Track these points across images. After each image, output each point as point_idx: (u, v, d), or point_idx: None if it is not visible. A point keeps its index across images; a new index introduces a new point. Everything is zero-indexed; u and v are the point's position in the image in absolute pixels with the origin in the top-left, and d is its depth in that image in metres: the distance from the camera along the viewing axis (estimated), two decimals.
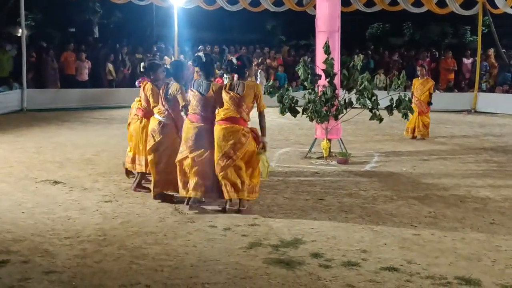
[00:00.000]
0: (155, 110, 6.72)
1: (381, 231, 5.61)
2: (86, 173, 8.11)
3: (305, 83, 9.22)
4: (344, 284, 4.31)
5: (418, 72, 12.04)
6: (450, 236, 5.46)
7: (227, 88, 6.24)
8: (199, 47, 19.01)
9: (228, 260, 4.77)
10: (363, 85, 8.79)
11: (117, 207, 6.38)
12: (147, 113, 6.97)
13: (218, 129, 6.16)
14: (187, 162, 6.28)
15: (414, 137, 11.63)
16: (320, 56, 9.28)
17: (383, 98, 9.04)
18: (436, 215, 6.21)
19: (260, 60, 18.49)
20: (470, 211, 6.36)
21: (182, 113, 6.49)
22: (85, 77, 17.50)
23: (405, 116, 9.13)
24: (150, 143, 6.62)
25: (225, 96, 6.20)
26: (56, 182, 7.47)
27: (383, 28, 30.53)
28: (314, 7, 11.72)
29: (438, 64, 19.15)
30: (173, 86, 6.55)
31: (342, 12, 9.65)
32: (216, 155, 6.15)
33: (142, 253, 4.93)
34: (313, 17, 9.95)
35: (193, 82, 6.46)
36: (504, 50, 18.96)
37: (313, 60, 11.02)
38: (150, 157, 6.63)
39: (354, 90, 9.03)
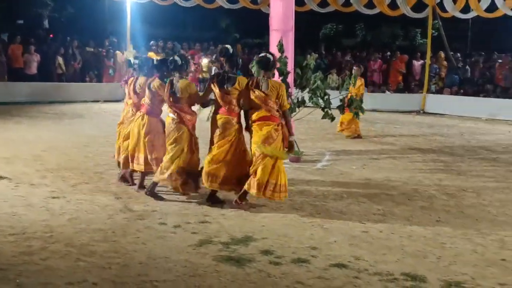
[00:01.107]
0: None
1: (331, 229, 5.67)
2: (34, 169, 7.91)
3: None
4: (294, 281, 4.34)
5: (354, 71, 12.02)
6: (398, 234, 5.58)
7: (253, 86, 6.27)
8: (151, 43, 18.78)
9: (177, 258, 4.74)
10: (316, 84, 8.88)
11: (65, 204, 6.24)
12: (152, 110, 6.83)
13: (253, 127, 6.30)
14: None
15: (341, 131, 11.79)
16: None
17: (335, 98, 9.15)
18: (385, 213, 6.33)
19: (214, 57, 18.41)
20: (417, 209, 6.51)
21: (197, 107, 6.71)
22: (34, 70, 17.07)
23: (356, 115, 9.28)
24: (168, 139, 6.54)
25: (251, 94, 6.25)
26: (2, 178, 7.25)
27: (336, 28, 30.90)
28: (269, 5, 11.74)
29: (389, 66, 19.51)
30: (156, 82, 6.66)
31: (296, 12, 9.70)
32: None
33: (90, 251, 4.83)
34: (267, 16, 9.97)
35: (215, 77, 6.46)
36: (452, 53, 19.51)
37: None
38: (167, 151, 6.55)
39: (307, 89, 9.12)
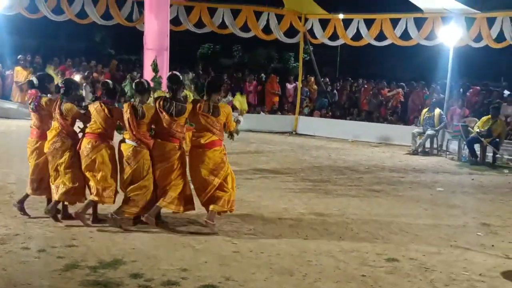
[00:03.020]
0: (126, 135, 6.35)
1: (202, 249, 5.71)
2: None
3: (132, 99, 9.10)
4: None
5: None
6: (267, 252, 5.74)
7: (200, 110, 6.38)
8: (19, 57, 17.82)
9: (40, 284, 4.53)
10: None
11: None
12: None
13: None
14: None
15: None
16: (148, 73, 9.20)
17: None
18: (255, 232, 6.49)
19: (86, 74, 17.86)
20: (286, 228, 6.75)
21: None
22: None
23: (231, 136, 9.40)
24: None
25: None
26: None
27: (213, 48, 31.24)
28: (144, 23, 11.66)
29: (264, 87, 20.04)
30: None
31: (172, 31, 9.72)
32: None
33: None
34: (143, 33, 9.88)
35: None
36: (323, 79, 20.50)
37: (142, 76, 10.92)
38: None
39: None
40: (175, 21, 16.03)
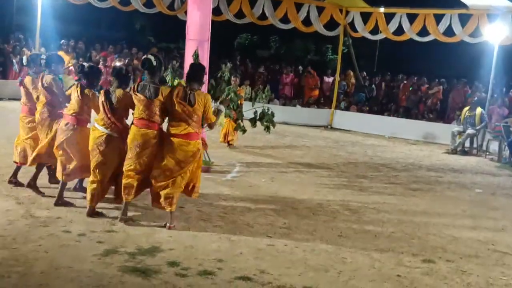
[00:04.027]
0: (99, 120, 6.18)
1: (237, 241, 5.76)
2: None
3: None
4: None
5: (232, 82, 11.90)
6: (302, 247, 5.75)
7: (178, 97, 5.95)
8: (62, 41, 18.16)
9: (81, 268, 4.64)
10: (229, 97, 8.98)
11: None
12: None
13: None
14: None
15: (228, 143, 11.81)
16: (188, 63, 9.28)
17: (248, 110, 9.28)
18: (290, 226, 6.50)
19: (126, 61, 18.09)
20: (321, 224, 6.74)
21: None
22: None
23: (267, 128, 9.45)
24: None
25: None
26: None
27: (251, 39, 31.17)
28: (186, 13, 11.72)
29: (301, 80, 19.95)
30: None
31: (212, 21, 9.74)
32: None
33: None
34: (183, 22, 9.95)
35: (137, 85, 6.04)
36: (360, 72, 20.32)
37: (181, 66, 11.01)
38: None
39: (220, 100, 9.18)
40: (215, 11, 16.06)
